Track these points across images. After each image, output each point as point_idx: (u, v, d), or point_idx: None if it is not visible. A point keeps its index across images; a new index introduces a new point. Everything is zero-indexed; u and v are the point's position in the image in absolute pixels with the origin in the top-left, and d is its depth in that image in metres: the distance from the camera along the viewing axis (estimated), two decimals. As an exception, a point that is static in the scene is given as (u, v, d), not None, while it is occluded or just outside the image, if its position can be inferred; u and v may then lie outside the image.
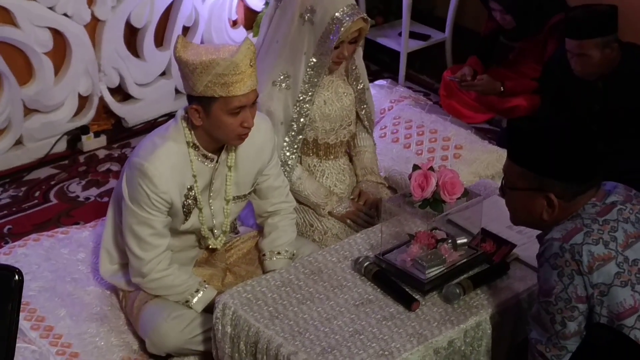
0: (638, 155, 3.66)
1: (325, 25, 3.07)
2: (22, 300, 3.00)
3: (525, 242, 2.84)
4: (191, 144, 2.78)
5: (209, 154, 2.81)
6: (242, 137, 2.77)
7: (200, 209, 2.86)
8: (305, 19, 3.10)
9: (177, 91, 4.52)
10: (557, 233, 2.28)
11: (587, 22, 3.55)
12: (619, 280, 2.23)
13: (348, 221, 3.28)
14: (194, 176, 2.81)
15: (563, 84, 3.75)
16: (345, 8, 3.07)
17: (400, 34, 4.89)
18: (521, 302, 2.70)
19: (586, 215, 2.29)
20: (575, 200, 2.32)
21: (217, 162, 2.84)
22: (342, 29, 3.04)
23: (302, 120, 3.20)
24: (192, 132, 2.78)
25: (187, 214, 2.85)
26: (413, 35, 4.95)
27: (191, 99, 2.72)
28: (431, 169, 2.69)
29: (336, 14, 3.06)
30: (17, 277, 1.85)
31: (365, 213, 3.28)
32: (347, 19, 3.05)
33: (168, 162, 2.74)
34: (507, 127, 2.61)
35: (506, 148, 2.44)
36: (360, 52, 3.37)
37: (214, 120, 2.70)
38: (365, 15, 3.13)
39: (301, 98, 3.18)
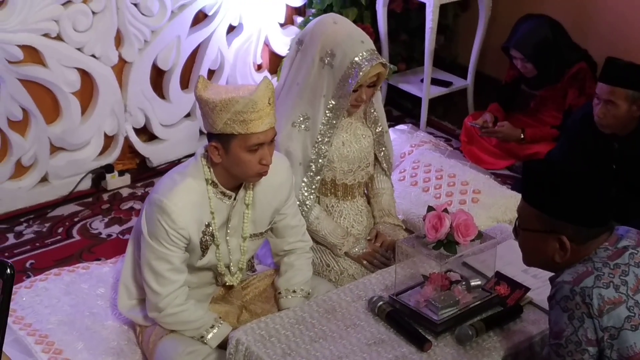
0: None
1: (344, 69, 3.11)
2: (41, 333, 3.08)
3: (540, 285, 2.84)
4: (210, 181, 2.82)
5: (227, 192, 2.85)
6: (260, 175, 2.81)
7: (217, 246, 2.89)
8: (325, 62, 3.15)
9: (201, 132, 4.57)
10: (568, 276, 2.29)
11: (626, 71, 3.57)
12: (630, 324, 2.23)
13: (364, 262, 3.29)
14: (212, 213, 2.84)
15: (583, 138, 3.75)
16: (364, 53, 3.12)
17: (422, 80, 4.94)
18: (534, 345, 2.69)
19: (597, 258, 2.30)
20: (588, 244, 2.33)
21: (235, 199, 2.87)
22: (361, 73, 3.08)
23: (320, 161, 3.24)
24: (211, 169, 2.82)
25: (205, 250, 2.88)
26: (435, 81, 4.99)
27: (211, 136, 2.77)
28: (445, 210, 2.71)
29: (355, 59, 3.10)
30: (8, 270, 1.94)
31: (381, 255, 3.29)
32: (366, 63, 3.10)
33: (187, 199, 2.78)
34: (522, 168, 2.62)
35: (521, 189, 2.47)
36: (379, 95, 3.41)
37: (233, 157, 2.74)
38: (384, 60, 3.17)
39: (320, 139, 3.22)
